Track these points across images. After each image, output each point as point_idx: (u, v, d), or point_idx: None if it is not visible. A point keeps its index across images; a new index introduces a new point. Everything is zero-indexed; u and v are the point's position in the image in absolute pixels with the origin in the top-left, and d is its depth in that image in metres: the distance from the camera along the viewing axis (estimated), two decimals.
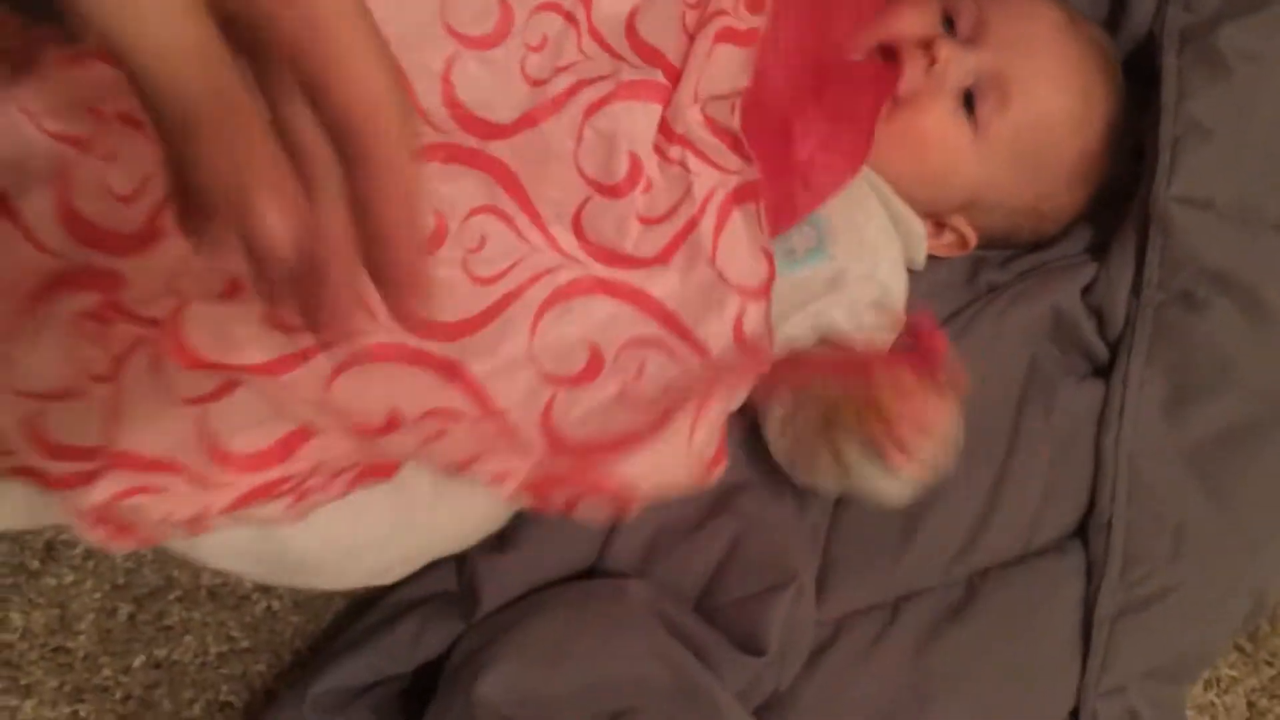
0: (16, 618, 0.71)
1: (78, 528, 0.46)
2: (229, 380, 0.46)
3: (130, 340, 0.47)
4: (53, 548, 0.71)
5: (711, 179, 0.57)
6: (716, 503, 0.70)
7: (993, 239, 0.76)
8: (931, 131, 0.68)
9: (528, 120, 0.55)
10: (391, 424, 0.51)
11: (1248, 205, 0.72)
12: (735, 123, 0.57)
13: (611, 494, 0.51)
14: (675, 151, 0.57)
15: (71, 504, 0.46)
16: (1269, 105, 0.72)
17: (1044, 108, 0.70)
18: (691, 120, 0.56)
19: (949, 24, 0.70)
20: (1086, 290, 0.75)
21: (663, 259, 0.57)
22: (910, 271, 0.73)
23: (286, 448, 0.48)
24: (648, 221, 0.57)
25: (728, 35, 0.58)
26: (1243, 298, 0.72)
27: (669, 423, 0.52)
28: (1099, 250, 0.76)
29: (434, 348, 0.53)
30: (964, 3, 0.70)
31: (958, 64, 0.67)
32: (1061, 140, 0.72)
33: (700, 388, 0.54)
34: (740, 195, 0.57)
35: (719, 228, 0.56)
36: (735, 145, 0.57)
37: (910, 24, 0.69)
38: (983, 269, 0.78)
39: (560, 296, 0.55)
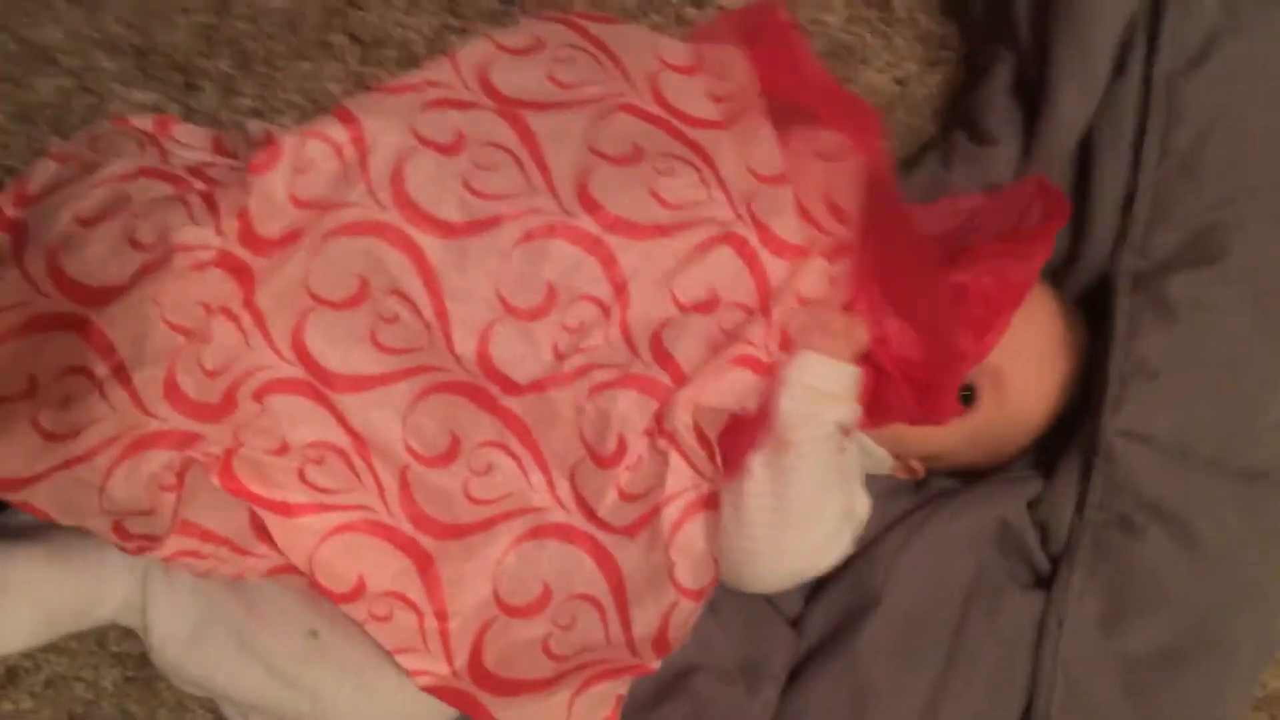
0: None
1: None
2: None
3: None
4: (14, 674, 0.71)
5: (685, 479, 0.63)
6: (672, 682, 0.72)
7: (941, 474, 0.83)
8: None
9: (538, 386, 0.63)
10: (356, 592, 0.61)
11: (1186, 444, 0.77)
12: (716, 435, 0.63)
13: None
14: (662, 444, 0.63)
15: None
16: (1212, 352, 0.77)
17: (1026, 414, 0.78)
18: (680, 423, 0.62)
19: None
20: (1032, 504, 0.79)
21: (630, 532, 0.63)
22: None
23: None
24: (625, 497, 0.63)
25: (746, 362, 0.64)
26: (1176, 530, 0.76)
27: (556, 685, 0.57)
28: (1047, 467, 0.81)
29: (422, 539, 0.58)
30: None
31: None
32: (1023, 435, 0.80)
33: (600, 665, 0.59)
34: (707, 503, 0.64)
35: (678, 524, 0.63)
36: (712, 456, 0.63)
37: None
38: (932, 477, 0.83)
39: (542, 533, 0.61)
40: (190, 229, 0.58)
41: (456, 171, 0.63)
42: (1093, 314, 0.81)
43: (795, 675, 0.76)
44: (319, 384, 0.61)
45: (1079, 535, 0.77)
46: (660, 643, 0.62)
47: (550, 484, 0.62)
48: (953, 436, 0.76)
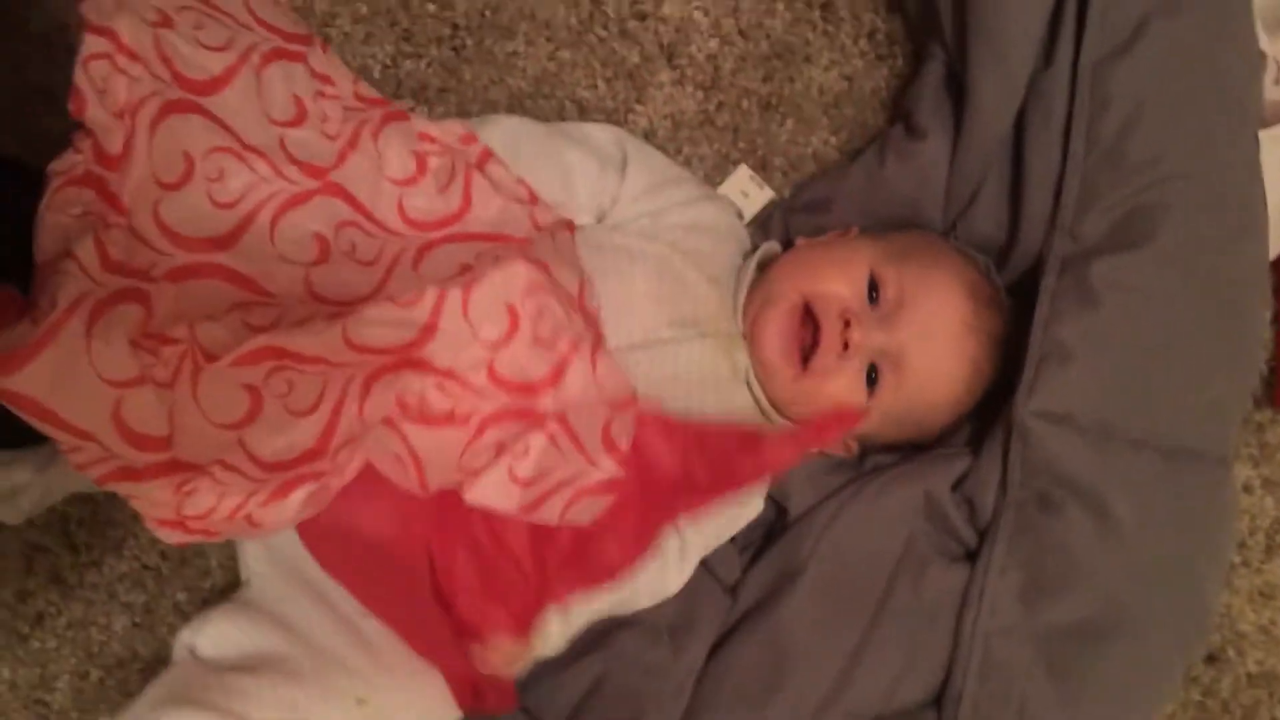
0: (5, 671, 0.84)
1: (157, 531, 0.61)
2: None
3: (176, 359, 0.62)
4: (42, 618, 0.84)
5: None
6: (597, 636, 0.79)
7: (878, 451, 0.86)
8: (832, 397, 0.78)
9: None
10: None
11: (1109, 423, 0.79)
12: None
13: None
14: None
15: (150, 499, 0.61)
16: (1135, 335, 0.79)
17: (931, 396, 0.81)
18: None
19: (873, 287, 0.79)
20: (961, 480, 0.83)
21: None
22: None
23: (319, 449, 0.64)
24: None
25: None
26: (1094, 507, 0.78)
27: None
28: (977, 444, 0.84)
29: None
30: (889, 274, 0.79)
31: (867, 345, 0.77)
32: (940, 414, 0.83)
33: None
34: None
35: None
36: None
37: (837, 284, 0.79)
38: (873, 452, 0.87)
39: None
40: (63, 159, 0.66)
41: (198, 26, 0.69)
42: (1030, 296, 0.83)
43: (723, 639, 0.82)
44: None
45: (1001, 511, 0.80)
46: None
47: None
48: (868, 419, 0.79)
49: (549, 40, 0.86)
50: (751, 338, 0.80)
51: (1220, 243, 0.81)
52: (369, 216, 0.72)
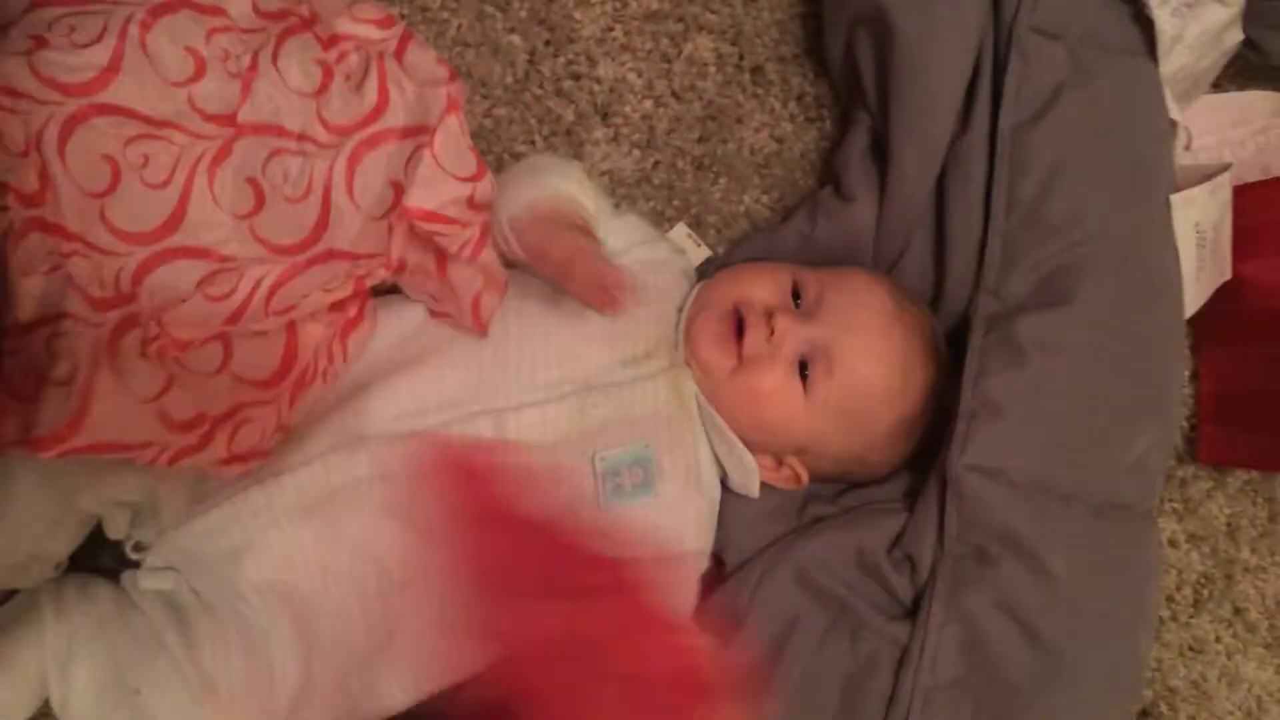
0: None
1: (224, 471, 0.69)
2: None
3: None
4: None
5: None
6: None
7: (826, 478, 0.86)
8: (768, 390, 0.79)
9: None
10: None
11: (1041, 478, 0.80)
12: None
13: None
14: None
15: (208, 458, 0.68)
16: (1061, 392, 0.80)
17: (864, 380, 0.79)
18: None
19: (797, 295, 0.81)
20: (899, 537, 0.82)
21: None
22: (746, 498, 0.83)
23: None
24: None
25: None
26: (1029, 561, 0.78)
27: None
28: (912, 499, 0.84)
29: None
30: (809, 278, 0.82)
31: (793, 335, 0.78)
32: (879, 407, 0.81)
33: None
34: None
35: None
36: None
37: (762, 290, 0.81)
38: (813, 503, 0.87)
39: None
40: None
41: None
42: (959, 353, 0.85)
43: None
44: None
45: (939, 566, 0.80)
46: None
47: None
48: (810, 418, 0.79)
49: (485, 97, 0.87)
50: (687, 342, 0.81)
51: (1138, 301, 0.84)
52: (291, 136, 0.72)
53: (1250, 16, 0.90)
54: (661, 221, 0.91)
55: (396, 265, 0.74)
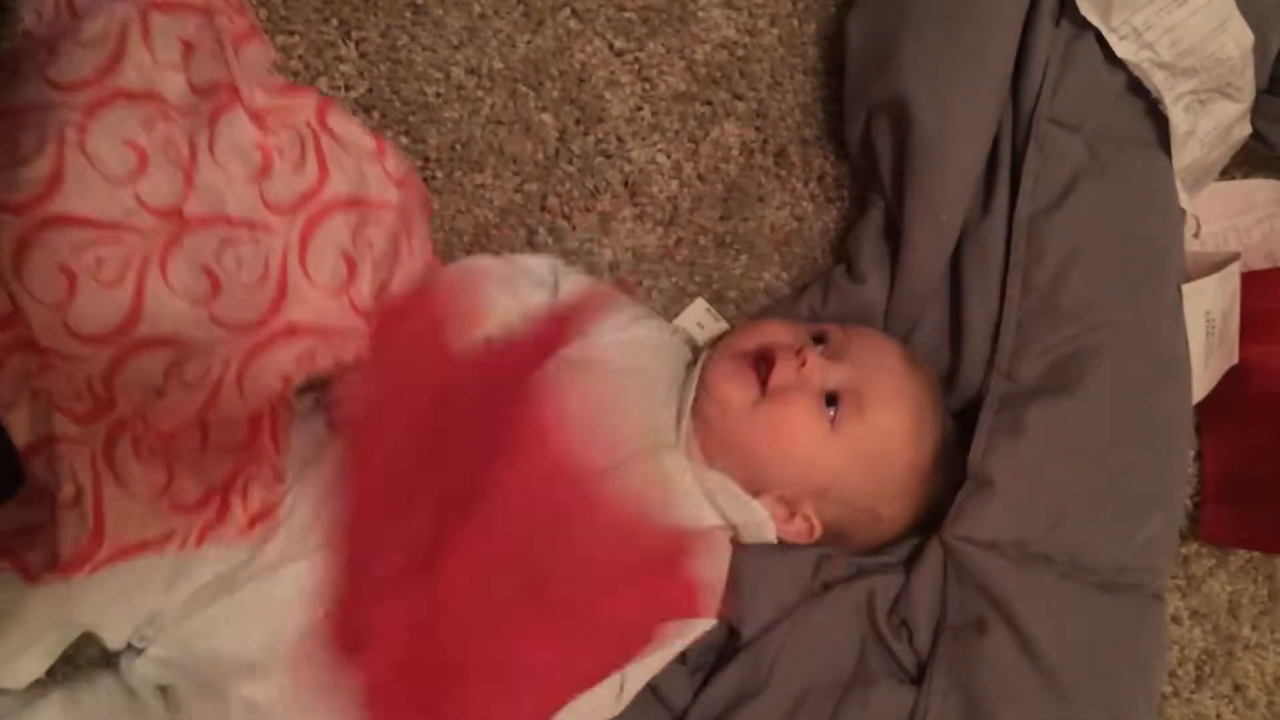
0: None
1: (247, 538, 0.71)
2: None
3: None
4: None
5: None
6: None
7: (835, 532, 0.85)
8: (796, 420, 0.79)
9: None
10: None
11: (1040, 553, 0.82)
12: None
13: None
14: None
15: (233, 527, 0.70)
16: (1061, 473, 0.83)
17: (889, 420, 0.81)
18: None
19: (817, 342, 0.83)
20: (896, 602, 0.84)
21: None
22: (760, 569, 0.84)
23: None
24: None
25: None
26: (1019, 633, 0.80)
27: None
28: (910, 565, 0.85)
29: None
30: (830, 328, 0.84)
31: (823, 370, 0.80)
32: (900, 450, 0.82)
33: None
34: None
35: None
36: None
37: (784, 335, 0.83)
38: (823, 568, 0.87)
39: None
40: None
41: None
42: (969, 433, 0.87)
43: None
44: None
45: (941, 633, 0.82)
46: None
47: None
48: (835, 456, 0.80)
49: (516, 174, 0.89)
50: (703, 386, 0.82)
51: (1147, 387, 0.86)
52: (240, 224, 0.72)
53: (1258, 110, 0.93)
54: (682, 296, 0.93)
55: None
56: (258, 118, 0.73)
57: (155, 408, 0.68)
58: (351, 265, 0.74)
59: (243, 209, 0.72)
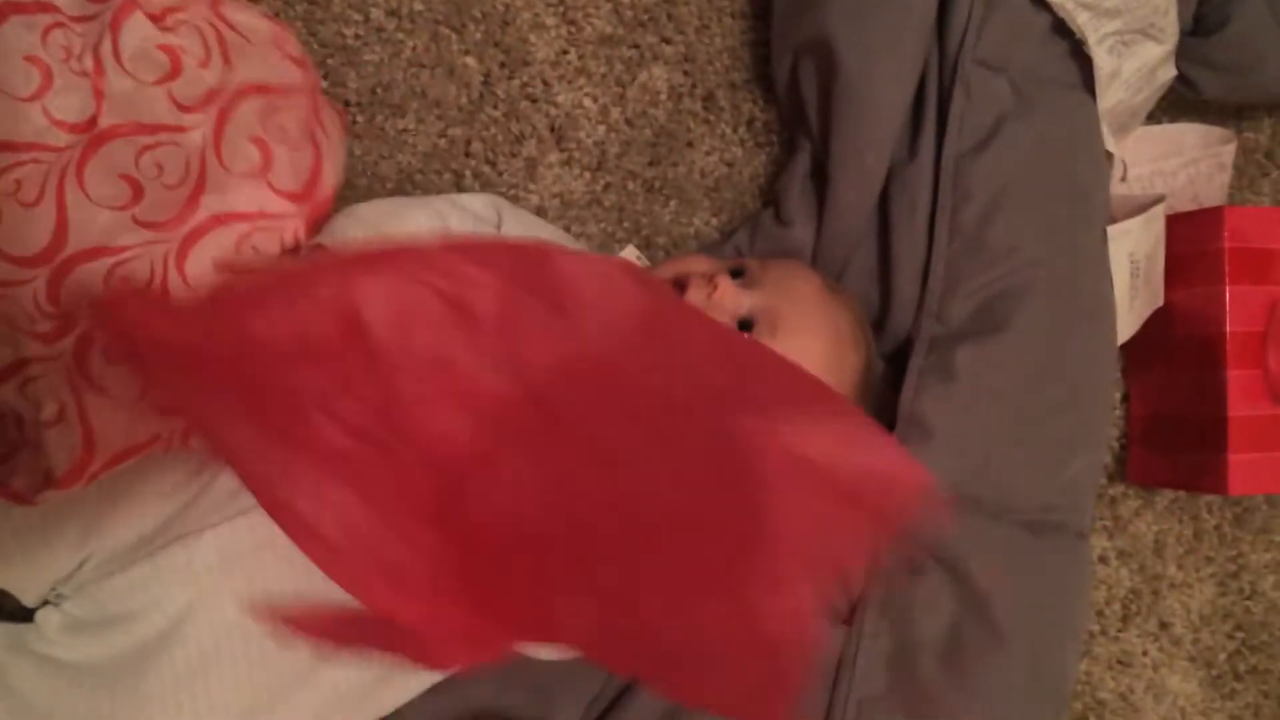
0: None
1: None
2: None
3: None
4: None
5: None
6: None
7: None
8: None
9: None
10: None
11: (970, 496, 0.83)
12: None
13: None
14: None
15: None
16: (989, 415, 0.84)
17: (805, 343, 0.79)
18: None
19: (735, 275, 0.81)
20: None
21: None
22: None
23: None
24: None
25: None
26: (953, 573, 0.82)
27: None
28: None
29: None
30: (749, 260, 0.84)
31: (735, 295, 0.78)
32: (818, 374, 0.80)
33: None
34: None
35: None
36: None
37: (699, 265, 0.82)
38: None
39: None
40: None
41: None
42: (899, 375, 0.87)
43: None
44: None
45: (871, 576, 0.82)
46: None
47: None
48: None
49: (440, 118, 0.88)
50: None
51: (1072, 328, 0.87)
52: (157, 129, 0.72)
53: (1182, 53, 0.94)
54: (612, 243, 0.92)
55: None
56: (157, 20, 0.72)
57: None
58: (265, 149, 0.74)
59: (156, 114, 0.72)
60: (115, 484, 0.71)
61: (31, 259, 0.68)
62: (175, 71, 0.73)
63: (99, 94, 0.71)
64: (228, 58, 0.74)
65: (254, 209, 0.74)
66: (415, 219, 0.79)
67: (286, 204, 0.75)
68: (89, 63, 0.71)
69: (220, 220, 0.73)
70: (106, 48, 0.71)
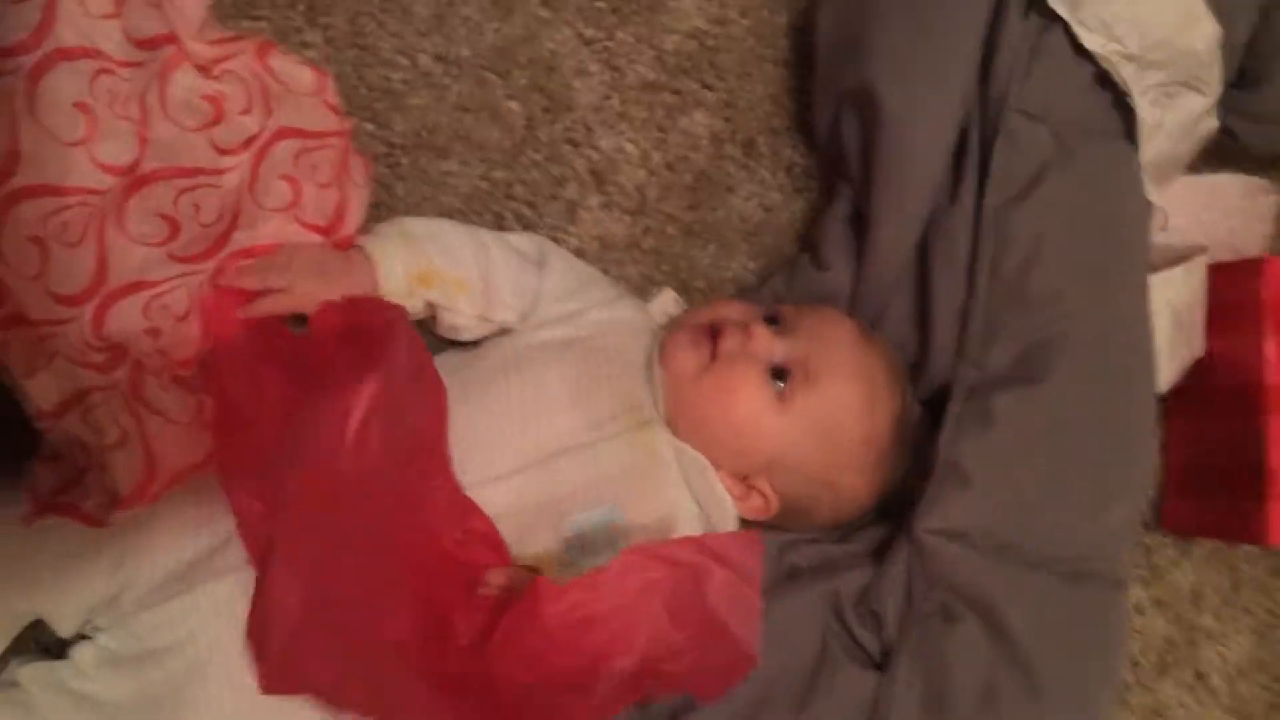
0: None
1: None
2: None
3: None
4: None
5: None
6: None
7: (794, 508, 0.85)
8: (740, 388, 0.80)
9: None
10: None
11: (1000, 544, 0.82)
12: None
13: None
14: None
15: None
16: (1027, 463, 0.83)
17: (840, 391, 0.81)
18: None
19: (770, 322, 0.82)
20: (864, 591, 0.83)
21: None
22: None
23: None
24: None
25: None
26: (988, 621, 0.81)
27: None
28: (878, 556, 0.85)
29: None
30: (784, 307, 0.84)
31: (770, 343, 0.80)
32: (852, 421, 0.83)
33: None
34: None
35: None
36: None
37: (733, 312, 0.83)
38: (787, 553, 0.87)
39: None
40: None
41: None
42: (937, 419, 0.87)
43: None
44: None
45: (908, 623, 0.82)
46: None
47: None
48: (783, 426, 0.80)
49: (482, 160, 0.89)
50: (662, 360, 0.82)
51: (1113, 378, 0.86)
52: (194, 173, 0.74)
53: (1224, 104, 0.93)
54: (649, 286, 0.93)
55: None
56: (205, 70, 0.74)
57: (164, 342, 0.72)
58: (296, 185, 0.77)
59: (196, 158, 0.74)
60: (150, 512, 0.71)
61: (76, 297, 0.70)
62: (218, 119, 0.75)
63: (143, 140, 0.73)
64: (269, 106, 0.76)
65: (280, 241, 0.77)
66: (459, 247, 0.81)
67: (313, 236, 0.78)
68: (134, 110, 0.72)
69: (248, 254, 0.76)
70: (154, 97, 0.73)
